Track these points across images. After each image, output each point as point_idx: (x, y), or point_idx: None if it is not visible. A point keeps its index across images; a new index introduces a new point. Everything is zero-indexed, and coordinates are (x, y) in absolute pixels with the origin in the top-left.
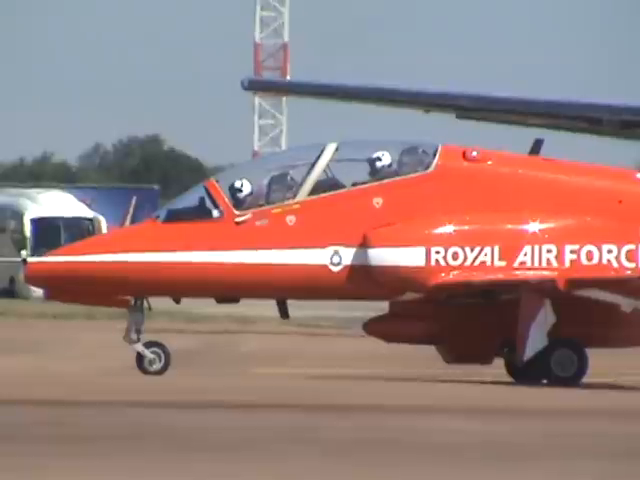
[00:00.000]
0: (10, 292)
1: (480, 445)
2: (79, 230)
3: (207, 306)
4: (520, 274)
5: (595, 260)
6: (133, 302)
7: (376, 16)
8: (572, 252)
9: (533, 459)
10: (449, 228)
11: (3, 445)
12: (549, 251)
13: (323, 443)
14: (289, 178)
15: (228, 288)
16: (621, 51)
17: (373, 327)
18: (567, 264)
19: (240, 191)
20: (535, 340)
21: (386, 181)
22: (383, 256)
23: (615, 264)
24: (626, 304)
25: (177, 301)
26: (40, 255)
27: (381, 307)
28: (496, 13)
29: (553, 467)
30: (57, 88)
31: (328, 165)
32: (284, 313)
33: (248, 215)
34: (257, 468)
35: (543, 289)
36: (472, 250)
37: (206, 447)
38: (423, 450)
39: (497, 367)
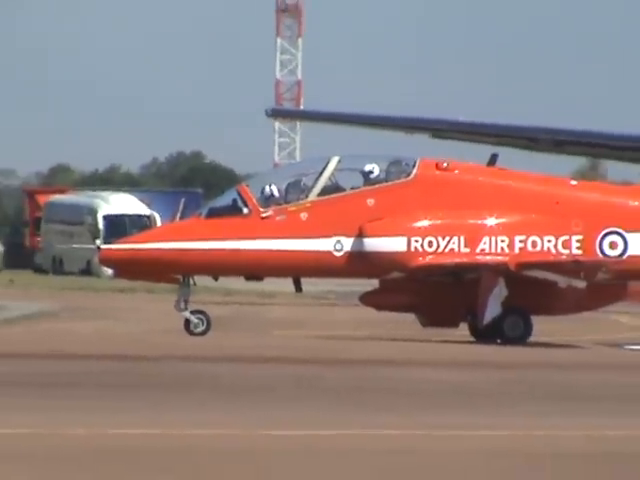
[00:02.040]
0: (87, 272)
1: (455, 389)
2: (140, 224)
3: (238, 283)
4: (480, 258)
5: (538, 248)
6: (182, 279)
7: (367, 58)
8: (520, 241)
9: (492, 399)
10: (425, 222)
11: (76, 390)
12: (502, 241)
13: (329, 389)
14: (302, 183)
15: (254, 269)
16: (555, 84)
17: (367, 299)
18: (516, 251)
19: (264, 193)
20: (492, 309)
21: (377, 186)
22: (375, 244)
23: (553, 250)
24: (562, 282)
25: (215, 279)
26: (110, 243)
27: (372, 283)
28: (457, 56)
29: (507, 405)
30: (124, 112)
31: (332, 174)
32: (298, 288)
33: (270, 212)
34: (276, 407)
35: (498, 270)
36: (443, 239)
37: (237, 390)
38: (408, 394)
39: (462, 330)
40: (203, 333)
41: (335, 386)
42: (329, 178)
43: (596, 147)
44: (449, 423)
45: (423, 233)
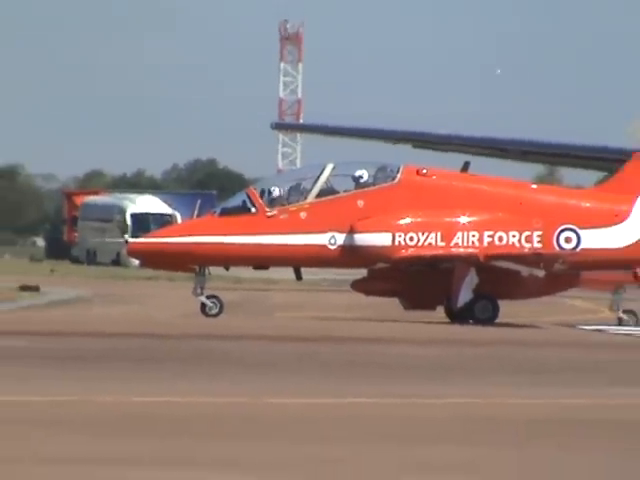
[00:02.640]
0: (117, 262)
1: (433, 364)
2: (162, 221)
3: (247, 272)
4: (454, 251)
5: (504, 242)
6: (198, 269)
7: (358, 79)
8: (489, 236)
9: (466, 372)
10: (407, 220)
11: (106, 363)
12: (473, 236)
13: (323, 362)
14: (301, 187)
15: (261, 260)
16: (522, 99)
17: (357, 285)
18: (485, 244)
19: (269, 195)
20: (464, 294)
21: (366, 189)
22: (364, 238)
23: (517, 244)
24: (524, 271)
25: (227, 268)
26: (137, 238)
27: (362, 272)
28: (437, 75)
29: (479, 377)
30: (149, 124)
31: (327, 179)
32: (298, 276)
33: (274, 211)
34: (277, 377)
35: (469, 261)
36: (423, 235)
37: (245, 364)
38: (393, 367)
39: (439, 312)
40: (216, 315)
41: (329, 360)
42: (325, 182)
43: (555, 156)
44: (428, 392)
45: (405, 229)
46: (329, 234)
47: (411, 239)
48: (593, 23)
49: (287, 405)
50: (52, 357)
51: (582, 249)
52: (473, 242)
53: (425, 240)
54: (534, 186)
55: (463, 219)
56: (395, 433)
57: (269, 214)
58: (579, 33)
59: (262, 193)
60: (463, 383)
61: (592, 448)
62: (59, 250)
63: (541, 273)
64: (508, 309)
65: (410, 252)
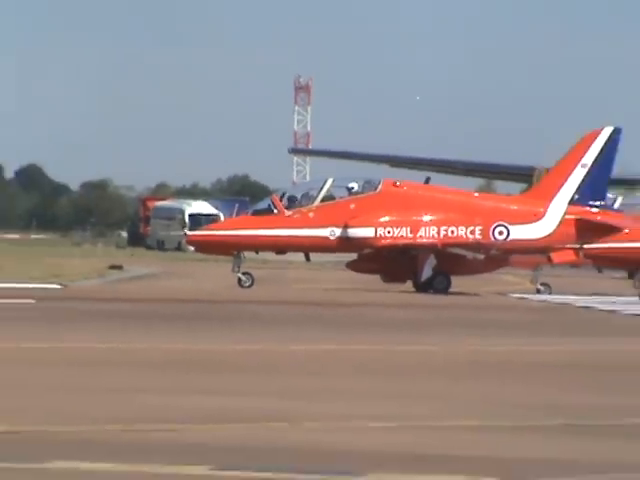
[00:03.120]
0: (178, 249)
1: (404, 321)
2: (211, 220)
3: (271, 255)
4: (420, 241)
5: (455, 234)
6: (236, 253)
7: (350, 118)
8: (444, 230)
9: (432, 329)
10: (386, 218)
11: (166, 321)
12: (433, 230)
13: (326, 321)
14: (310, 195)
15: (281, 247)
16: (469, 129)
17: (350, 265)
18: (442, 236)
19: (288, 201)
20: (427, 272)
21: (356, 196)
22: (355, 232)
23: (464, 236)
24: (469, 255)
25: (257, 253)
26: (193, 231)
27: (353, 256)
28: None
29: (444, 333)
30: (202, 148)
31: (329, 189)
32: (308, 259)
33: (291, 212)
34: (292, 329)
35: (430, 248)
36: (397, 229)
37: (267, 322)
38: (375, 323)
39: (408, 285)
40: (249, 287)
41: (332, 319)
42: (326, 192)
43: (491, 172)
44: (405, 340)
45: (385, 225)
46: (330, 228)
47: (389, 232)
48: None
49: (296, 350)
50: (132, 317)
51: (511, 239)
52: (433, 234)
53: (399, 232)
54: (476, 194)
55: (426, 218)
56: (383, 370)
57: (287, 214)
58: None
59: (282, 199)
60: (426, 334)
61: (515, 380)
62: (137, 240)
63: (481, 257)
64: (458, 282)
65: (388, 241)
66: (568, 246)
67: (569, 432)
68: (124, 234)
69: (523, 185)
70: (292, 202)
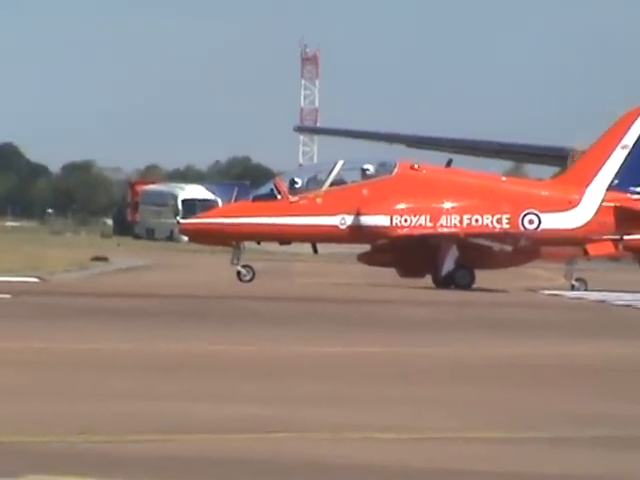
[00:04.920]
0: (170, 238)
1: (422, 321)
2: (207, 206)
3: (274, 246)
4: (440, 230)
5: (480, 223)
6: (235, 243)
7: (363, 92)
8: (467, 219)
9: (453, 329)
10: (403, 205)
11: (156, 317)
12: (455, 218)
13: (334, 320)
14: (318, 178)
15: (285, 236)
16: (499, 107)
17: (362, 258)
18: (464, 225)
19: (292, 185)
20: (448, 265)
21: (369, 180)
22: (368, 220)
23: (490, 225)
24: (496, 246)
25: (258, 243)
26: (186, 219)
27: (366, 247)
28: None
29: (466, 334)
30: (197, 128)
31: (338, 172)
32: (315, 250)
33: (296, 198)
34: (295, 329)
35: (452, 238)
36: (415, 217)
37: (270, 319)
38: (390, 322)
39: (427, 279)
40: (250, 281)
41: (339, 317)
42: (336, 175)
43: (520, 154)
44: (420, 342)
45: (401, 213)
46: (340, 216)
47: (406, 220)
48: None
49: (297, 352)
50: (118, 314)
51: (542, 229)
52: (455, 223)
53: (417, 221)
54: (503, 178)
55: (447, 205)
56: (396, 374)
57: (292, 200)
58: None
59: (286, 183)
60: (447, 335)
61: (552, 387)
62: (124, 228)
63: (509, 248)
64: (483, 277)
65: (405, 231)
66: (606, 237)
67: (601, 444)
68: (110, 222)
69: (556, 169)
70: (298, 187)
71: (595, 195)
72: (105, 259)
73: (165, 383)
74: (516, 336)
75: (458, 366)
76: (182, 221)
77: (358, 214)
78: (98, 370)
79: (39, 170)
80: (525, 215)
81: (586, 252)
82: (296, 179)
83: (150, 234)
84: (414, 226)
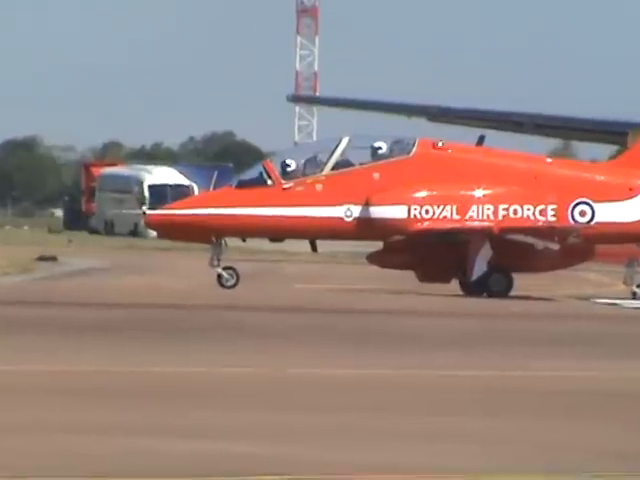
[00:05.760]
0: (134, 233)
1: (447, 336)
2: (180, 193)
3: (263, 244)
4: (469, 224)
5: (518, 215)
6: (215, 240)
7: (375, 52)
8: (503, 210)
9: (484, 347)
10: (423, 193)
11: (117, 334)
12: (488, 209)
13: (337, 335)
14: (318, 159)
15: (277, 232)
16: (537, 72)
17: (373, 258)
18: (500, 217)
19: (286, 168)
20: (479, 267)
21: (381, 162)
22: (379, 211)
23: (532, 217)
24: (539, 244)
25: (244, 240)
26: (154, 209)
27: (377, 245)
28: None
29: (500, 353)
30: (166, 96)
31: (343, 151)
32: (314, 248)
33: (291, 184)
34: (290, 347)
35: (484, 234)
36: (438, 208)
37: (259, 334)
38: (407, 338)
39: (454, 285)
40: (233, 286)
41: (344, 332)
42: (341, 155)
43: (570, 130)
44: (442, 364)
45: (421, 202)
46: (345, 206)
47: (427, 212)
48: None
49: (303, 375)
50: (68, 327)
51: (596, 223)
52: (488, 215)
53: (440, 213)
54: (549, 160)
55: (478, 192)
56: (405, 402)
57: (285, 186)
58: (594, 4)
59: (279, 165)
60: (477, 356)
61: (601, 419)
62: (77, 221)
63: (555, 246)
64: (522, 282)
65: (425, 225)
66: None
67: None
68: (59, 213)
69: (613, 148)
70: (293, 170)
71: None
72: (53, 259)
73: (127, 413)
74: (562, 355)
75: (491, 392)
76: (149, 212)
77: (367, 204)
78: (42, 396)
79: None
80: (575, 205)
81: None
82: (291, 160)
83: (109, 228)
84: (437, 219)
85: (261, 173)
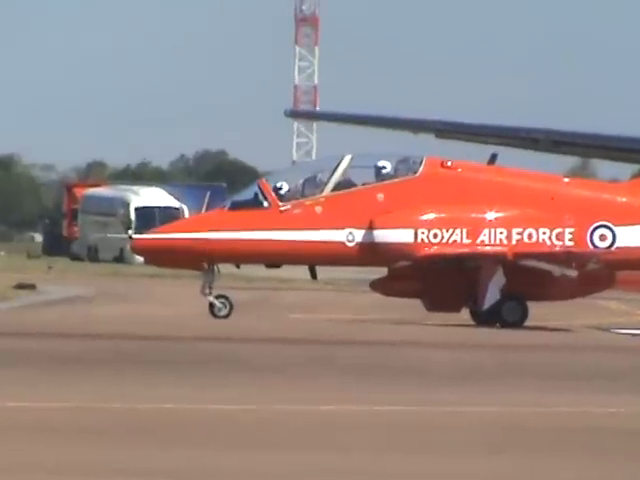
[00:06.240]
0: (120, 259)
1: (457, 370)
2: (169, 216)
3: (259, 270)
4: (481, 249)
5: (534, 239)
6: (206, 266)
7: (379, 64)
8: (517, 233)
9: (492, 379)
10: (431, 216)
11: (102, 367)
12: (501, 232)
13: (339, 369)
14: (317, 179)
15: (273, 257)
16: (556, 87)
17: (376, 285)
18: (514, 242)
19: (283, 188)
20: (491, 295)
21: (386, 182)
22: (384, 235)
23: (548, 242)
24: (556, 271)
25: (238, 266)
26: (141, 233)
27: (381, 272)
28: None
29: (514, 388)
30: (155, 113)
31: (345, 170)
32: (313, 275)
33: (288, 205)
34: (288, 383)
35: (497, 259)
36: (447, 231)
37: (253, 368)
38: (416, 372)
39: (464, 315)
40: (226, 316)
41: (345, 366)
42: (342, 174)
43: (589, 147)
44: (450, 400)
45: (428, 226)
46: (347, 230)
47: (435, 236)
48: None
49: (294, 413)
50: (49, 360)
51: (617, 247)
52: (501, 239)
53: (449, 237)
54: (566, 180)
55: (490, 215)
56: (412, 442)
57: (282, 208)
58: (612, 16)
59: (275, 186)
60: (488, 390)
61: (623, 459)
62: (58, 246)
63: (573, 273)
64: (538, 311)
65: (433, 250)
66: None
67: None
68: (38, 237)
69: (636, 167)
70: (290, 191)
71: None
72: (32, 287)
73: (113, 452)
74: (580, 390)
75: (501, 430)
76: (136, 236)
77: (371, 227)
78: (19, 433)
79: None
80: (595, 229)
81: None
82: (288, 181)
83: (93, 253)
84: (446, 243)
85: (256, 194)
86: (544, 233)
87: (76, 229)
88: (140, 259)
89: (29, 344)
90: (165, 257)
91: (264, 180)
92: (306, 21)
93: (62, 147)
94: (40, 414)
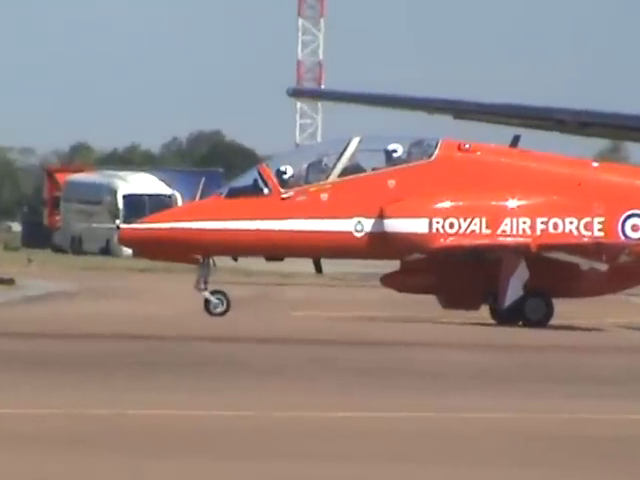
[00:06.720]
0: (106, 251)
1: (473, 372)
2: (160, 204)
3: (259, 263)
4: (502, 240)
5: (560, 229)
6: (201, 259)
7: (389, 39)
8: (542, 223)
9: (512, 383)
10: (447, 204)
11: (87, 370)
12: (524, 222)
13: (343, 371)
14: (323, 164)
15: (275, 249)
16: (582, 65)
17: (388, 280)
18: (538, 232)
19: (285, 174)
20: (513, 291)
21: (398, 167)
22: (395, 225)
23: (575, 233)
24: (584, 264)
25: (235, 259)
26: (130, 223)
27: (393, 265)
28: (484, 38)
29: (536, 392)
30: (144, 91)
31: (353, 154)
32: (318, 269)
33: (291, 192)
34: (289, 387)
35: (519, 251)
36: (465, 221)
37: (251, 370)
38: (427, 375)
39: (483, 312)
40: (222, 313)
41: (351, 368)
42: (350, 159)
43: (620, 129)
44: (466, 405)
45: (444, 214)
46: (355, 219)
47: (451, 226)
48: None
49: (297, 419)
50: (31, 362)
51: None
52: (524, 230)
53: (467, 227)
54: (595, 164)
55: (512, 203)
56: (422, 452)
57: (284, 196)
58: None
59: (277, 171)
60: (507, 395)
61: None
62: (38, 237)
63: (603, 266)
64: (564, 309)
65: (450, 241)
66: None
67: None
68: (17, 227)
69: None
70: (293, 176)
71: None
72: (10, 282)
73: (102, 462)
74: (610, 395)
75: (523, 438)
76: (123, 226)
77: (381, 216)
78: (9, 444)
79: None
80: (627, 218)
81: None
82: (291, 165)
83: (77, 245)
84: (464, 234)
85: (256, 180)
86: (571, 223)
87: (58, 218)
88: (128, 251)
89: (8, 345)
90: (156, 249)
91: (264, 165)
92: None
93: (42, 128)
94: (23, 421)
